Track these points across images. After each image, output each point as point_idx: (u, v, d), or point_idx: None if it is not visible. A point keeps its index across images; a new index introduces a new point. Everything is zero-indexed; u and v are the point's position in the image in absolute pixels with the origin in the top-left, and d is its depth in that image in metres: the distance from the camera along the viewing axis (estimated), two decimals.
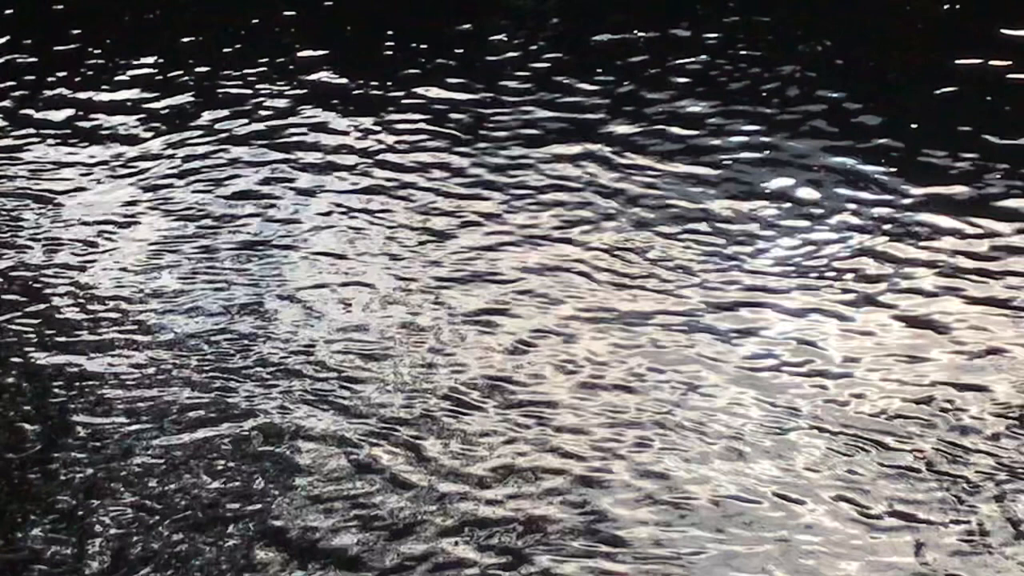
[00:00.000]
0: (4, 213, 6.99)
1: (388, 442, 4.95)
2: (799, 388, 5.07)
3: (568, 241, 6.16)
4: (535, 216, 6.38)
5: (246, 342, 5.65)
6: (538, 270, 5.97)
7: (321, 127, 7.47)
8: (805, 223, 6.08)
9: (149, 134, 7.69)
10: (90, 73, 8.53)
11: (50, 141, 7.77)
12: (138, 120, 7.86)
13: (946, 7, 7.85)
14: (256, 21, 8.98)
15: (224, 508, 4.70)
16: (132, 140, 7.65)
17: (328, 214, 6.62)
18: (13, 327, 5.94)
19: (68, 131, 7.86)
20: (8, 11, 9.69)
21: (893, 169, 6.35)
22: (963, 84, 6.95)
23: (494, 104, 7.45)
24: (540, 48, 8.02)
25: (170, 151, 7.45)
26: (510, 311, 5.69)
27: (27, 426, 5.25)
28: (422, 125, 7.34)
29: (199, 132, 7.61)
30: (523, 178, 6.69)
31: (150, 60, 8.57)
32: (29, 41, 9.14)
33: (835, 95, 7.01)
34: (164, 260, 6.39)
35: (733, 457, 4.75)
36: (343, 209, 6.64)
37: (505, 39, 8.18)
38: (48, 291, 6.22)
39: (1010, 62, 7.01)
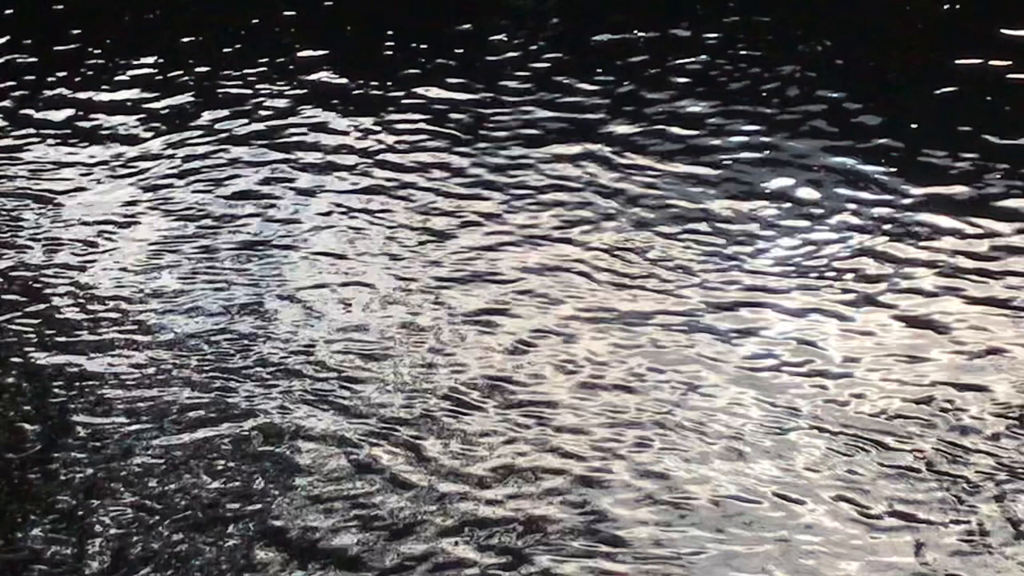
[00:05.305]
0: (4, 213, 6.99)
1: (388, 442, 4.95)
2: (799, 388, 5.07)
3: (568, 241, 6.16)
4: (535, 216, 6.38)
5: (246, 342, 5.65)
6: (538, 270, 5.97)
7: (321, 127, 7.47)
8: (805, 223, 6.08)
9: (149, 134, 7.69)
10: (90, 73, 8.53)
11: (50, 141, 7.77)
12: (138, 120, 7.86)
13: (946, 7, 7.85)
14: (256, 21, 8.98)
15: (224, 508, 4.70)
16: (132, 140, 7.65)
17: (328, 214, 6.62)
18: (13, 327, 5.94)
19: (68, 131, 7.85)
20: (8, 11, 9.69)
21: (893, 169, 6.35)
22: (963, 84, 6.95)
23: (494, 104, 7.45)
24: (540, 48, 8.02)
25: (170, 151, 7.45)
26: (510, 311, 5.69)
27: (27, 426, 5.25)
28: (422, 125, 7.34)
29: (199, 132, 7.60)
30: (523, 178, 6.69)
31: (150, 60, 8.57)
32: (29, 41, 9.14)
33: (835, 95, 7.01)
34: (164, 260, 6.39)
35: (733, 457, 4.75)
36: (343, 209, 6.64)
37: (505, 39, 8.17)
38: (48, 291, 6.22)
39: (1010, 62, 7.01)
